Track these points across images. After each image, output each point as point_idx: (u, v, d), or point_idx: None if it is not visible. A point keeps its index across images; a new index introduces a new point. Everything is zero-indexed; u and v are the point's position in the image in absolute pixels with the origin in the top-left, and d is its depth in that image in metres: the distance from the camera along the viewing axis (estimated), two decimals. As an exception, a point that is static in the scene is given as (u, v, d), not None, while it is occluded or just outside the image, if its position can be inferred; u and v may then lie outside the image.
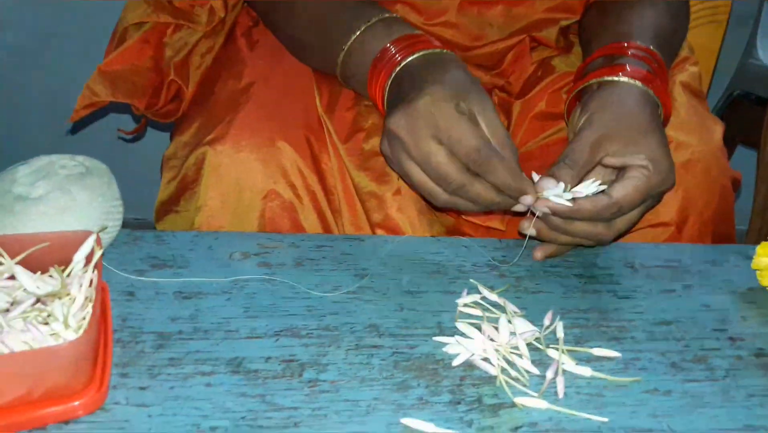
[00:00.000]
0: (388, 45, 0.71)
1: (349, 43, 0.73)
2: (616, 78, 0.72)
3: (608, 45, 0.77)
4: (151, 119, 0.88)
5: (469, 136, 0.62)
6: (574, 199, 0.65)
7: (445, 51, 0.70)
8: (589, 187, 0.66)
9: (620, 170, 0.68)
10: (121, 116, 1.43)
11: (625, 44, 0.76)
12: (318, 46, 0.78)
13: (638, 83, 0.71)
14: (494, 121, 0.65)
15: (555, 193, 0.65)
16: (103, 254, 0.62)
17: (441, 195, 0.65)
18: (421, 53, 0.69)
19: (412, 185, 0.66)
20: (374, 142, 0.75)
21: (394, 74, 0.69)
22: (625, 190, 0.66)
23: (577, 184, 0.67)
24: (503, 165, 0.63)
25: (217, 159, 0.72)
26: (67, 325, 0.50)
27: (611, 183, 0.67)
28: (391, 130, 0.64)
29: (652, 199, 0.69)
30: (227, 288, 0.62)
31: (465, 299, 0.61)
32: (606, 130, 0.68)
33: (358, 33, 0.73)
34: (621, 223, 0.68)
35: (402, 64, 0.69)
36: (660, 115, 0.73)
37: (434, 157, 0.63)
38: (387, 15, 0.74)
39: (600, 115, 0.69)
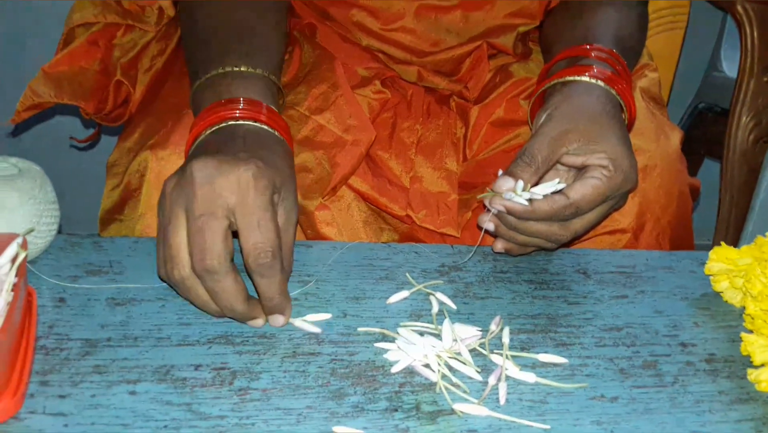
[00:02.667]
0: (226, 101, 0.62)
1: (194, 87, 0.67)
2: (578, 78, 0.71)
3: (571, 47, 0.76)
4: (103, 124, 0.86)
5: (267, 231, 0.53)
6: (531, 200, 0.63)
7: (278, 137, 0.62)
8: (547, 188, 0.64)
9: (580, 169, 0.67)
10: (72, 119, 1.40)
11: (587, 46, 0.75)
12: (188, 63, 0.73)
13: (600, 83, 0.70)
14: (290, 230, 0.58)
15: (510, 194, 0.63)
16: (29, 258, 0.60)
17: (159, 267, 0.55)
18: (250, 123, 0.60)
19: (165, 244, 0.54)
20: (303, 157, 0.74)
21: (215, 127, 0.60)
22: (583, 190, 0.64)
23: (536, 183, 0.65)
24: (280, 279, 0.55)
25: (158, 166, 0.69)
26: (-18, 330, 0.48)
27: (570, 183, 0.65)
28: (194, 174, 0.53)
29: (614, 199, 0.68)
30: (162, 295, 0.59)
31: (395, 297, 0.60)
32: (566, 127, 0.67)
33: (201, 80, 0.66)
34: (578, 223, 0.66)
35: (228, 123, 0.60)
36: (624, 117, 0.72)
37: (212, 227, 0.52)
38: (250, 69, 0.65)
39: (560, 112, 0.68)
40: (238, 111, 0.61)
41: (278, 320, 0.56)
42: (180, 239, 0.53)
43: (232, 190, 0.53)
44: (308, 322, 0.57)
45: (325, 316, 0.58)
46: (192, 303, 0.56)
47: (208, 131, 0.60)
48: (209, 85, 0.65)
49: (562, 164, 0.68)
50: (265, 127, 0.61)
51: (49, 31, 1.25)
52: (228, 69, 0.65)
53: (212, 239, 0.52)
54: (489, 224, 0.65)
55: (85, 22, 0.81)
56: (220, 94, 0.63)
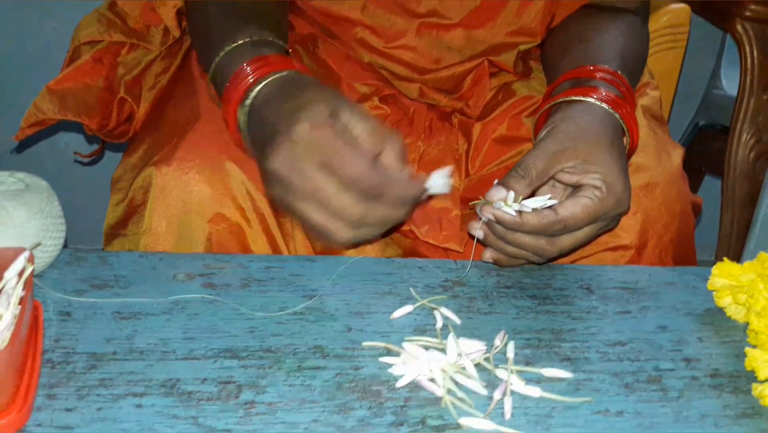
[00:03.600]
0: (237, 69, 0.66)
1: (213, 64, 0.70)
2: (584, 98, 0.71)
3: (576, 68, 0.77)
4: (107, 141, 0.86)
5: (354, 160, 0.56)
6: (520, 212, 0.64)
7: (295, 72, 0.66)
8: (537, 201, 0.65)
9: (575, 188, 0.68)
10: (75, 136, 1.41)
11: (592, 68, 0.75)
12: (202, 58, 0.76)
13: (605, 105, 0.71)
14: (366, 122, 0.59)
15: (501, 204, 0.64)
16: (35, 273, 0.60)
17: (342, 231, 0.58)
18: (270, 78, 0.64)
19: (310, 227, 0.59)
20: None
21: (246, 103, 0.64)
22: (573, 208, 0.65)
23: (529, 196, 0.66)
24: (396, 182, 0.58)
25: (163, 181, 0.70)
26: (-11, 343, 0.48)
27: (562, 200, 0.66)
28: (273, 171, 0.57)
29: (605, 221, 0.68)
30: (167, 309, 0.59)
31: (399, 312, 0.60)
32: (565, 145, 0.67)
33: (222, 54, 0.69)
34: (566, 241, 0.67)
35: (253, 91, 0.64)
36: (625, 143, 0.73)
37: (326, 191, 0.56)
38: (255, 38, 0.69)
39: (561, 130, 0.69)
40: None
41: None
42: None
43: (306, 154, 0.57)
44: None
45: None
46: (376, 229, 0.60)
47: (273, 76, 0.64)
48: (243, 49, 0.68)
49: (558, 181, 0.68)
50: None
51: (55, 49, 1.27)
52: (256, 38, 0.69)
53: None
54: (479, 232, 0.66)
55: (91, 40, 0.82)
56: (259, 52, 0.67)
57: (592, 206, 0.65)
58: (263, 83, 0.64)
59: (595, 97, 0.71)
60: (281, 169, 0.57)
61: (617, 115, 0.71)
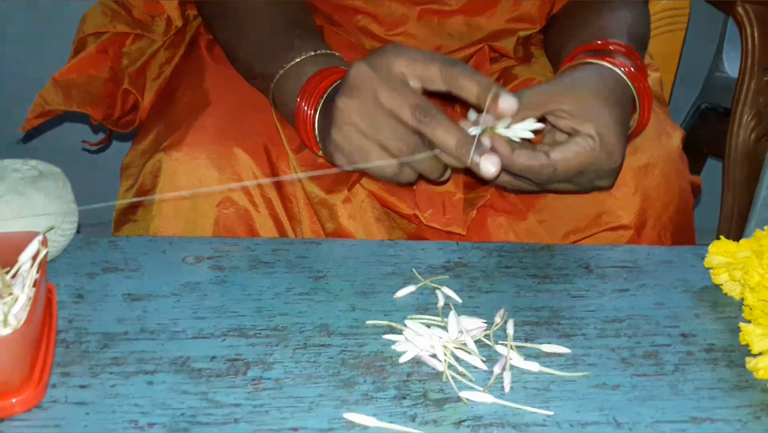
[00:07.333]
0: (308, 81, 0.71)
1: (276, 78, 0.73)
2: (607, 65, 0.73)
3: (587, 43, 0.77)
4: (113, 130, 0.88)
5: (398, 90, 0.63)
6: (511, 141, 0.66)
7: None
8: (524, 125, 0.66)
9: (569, 135, 0.69)
10: (80, 126, 1.43)
11: (599, 42, 0.76)
12: (254, 71, 0.79)
13: (618, 70, 0.72)
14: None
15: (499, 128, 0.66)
16: (51, 257, 0.62)
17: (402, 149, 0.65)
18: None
19: (382, 145, 0.65)
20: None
21: (321, 104, 0.69)
22: (564, 153, 0.66)
23: (518, 122, 0.67)
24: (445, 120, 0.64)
25: (172, 166, 0.72)
26: (6, 323, 0.50)
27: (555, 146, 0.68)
28: (339, 109, 0.64)
29: (597, 175, 0.69)
30: (177, 291, 0.61)
31: (402, 291, 0.62)
32: (566, 87, 0.69)
33: (286, 67, 0.73)
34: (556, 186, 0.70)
35: (327, 92, 0.69)
36: (634, 121, 0.74)
37: (381, 123, 0.63)
38: (319, 52, 0.74)
39: (567, 77, 0.70)
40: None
41: (485, 164, 0.63)
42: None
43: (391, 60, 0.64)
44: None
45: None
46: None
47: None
48: (307, 63, 0.72)
49: (554, 127, 0.70)
50: None
51: (60, 40, 1.28)
52: (312, 53, 0.73)
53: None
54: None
55: (96, 31, 0.84)
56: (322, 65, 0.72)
57: (584, 154, 0.66)
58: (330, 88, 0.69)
59: (609, 62, 0.72)
60: (363, 75, 0.63)
61: (633, 87, 0.72)
